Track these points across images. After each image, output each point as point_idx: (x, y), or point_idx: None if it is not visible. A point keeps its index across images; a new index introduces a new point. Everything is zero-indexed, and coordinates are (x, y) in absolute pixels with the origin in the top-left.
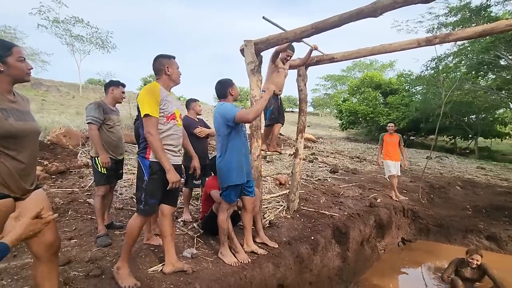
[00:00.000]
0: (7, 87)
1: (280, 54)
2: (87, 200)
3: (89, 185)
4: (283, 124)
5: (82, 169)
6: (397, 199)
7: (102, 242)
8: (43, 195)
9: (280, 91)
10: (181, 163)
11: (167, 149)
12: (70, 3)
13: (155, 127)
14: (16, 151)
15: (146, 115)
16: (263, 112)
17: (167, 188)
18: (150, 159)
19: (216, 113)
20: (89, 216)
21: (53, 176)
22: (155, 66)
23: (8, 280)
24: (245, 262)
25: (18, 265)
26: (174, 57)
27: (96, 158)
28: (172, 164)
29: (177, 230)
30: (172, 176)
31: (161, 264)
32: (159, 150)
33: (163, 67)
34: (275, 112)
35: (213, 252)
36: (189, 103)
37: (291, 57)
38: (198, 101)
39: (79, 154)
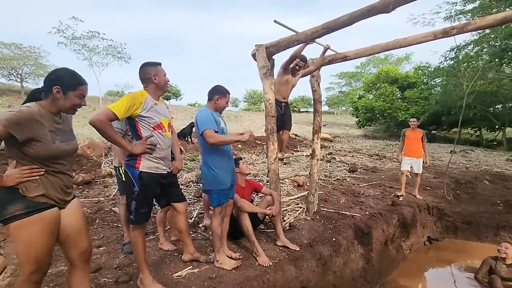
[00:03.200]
0: (55, 111)
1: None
2: (113, 208)
3: (113, 194)
4: (289, 130)
5: (106, 179)
6: (402, 197)
7: (129, 249)
8: (79, 204)
9: (284, 98)
10: (167, 172)
11: (151, 160)
12: (85, 18)
13: (107, 117)
14: (58, 169)
15: (107, 108)
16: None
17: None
18: (140, 169)
19: (196, 116)
20: (115, 224)
21: (80, 187)
22: (141, 75)
23: (45, 287)
24: (266, 265)
25: (53, 273)
26: (160, 64)
27: (119, 168)
28: (159, 173)
29: (199, 235)
30: (137, 149)
31: (185, 269)
32: (114, 137)
33: (150, 76)
34: (278, 119)
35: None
36: None
37: (300, 67)
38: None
39: (102, 164)
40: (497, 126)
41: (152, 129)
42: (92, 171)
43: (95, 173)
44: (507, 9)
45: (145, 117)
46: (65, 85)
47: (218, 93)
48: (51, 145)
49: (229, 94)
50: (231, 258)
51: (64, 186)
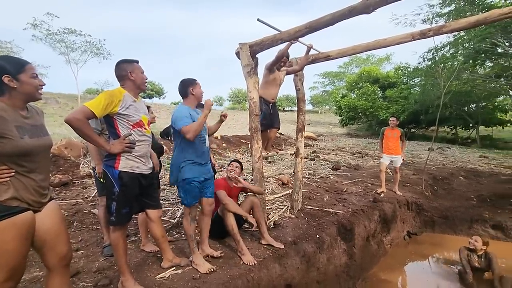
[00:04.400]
0: (20, 103)
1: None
2: (92, 210)
3: (92, 195)
4: (278, 129)
5: (85, 180)
6: (383, 193)
7: (109, 252)
8: (56, 206)
9: (273, 99)
10: (150, 172)
11: (131, 159)
12: (63, 14)
13: (84, 115)
14: (30, 168)
15: (84, 106)
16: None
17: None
18: (120, 169)
19: (172, 114)
20: (95, 227)
21: (57, 188)
22: (117, 72)
23: None
24: (251, 264)
25: (27, 279)
26: (137, 61)
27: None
28: (141, 174)
29: (182, 236)
30: (115, 148)
31: (168, 270)
32: (92, 136)
33: (126, 73)
34: (267, 118)
35: (220, 256)
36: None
37: (284, 62)
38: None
39: (81, 165)
40: (471, 125)
41: (131, 127)
42: (70, 172)
43: (73, 174)
44: (480, 12)
45: (124, 115)
46: (11, 71)
47: (189, 85)
48: (18, 141)
49: (197, 80)
50: (212, 256)
51: (38, 187)
